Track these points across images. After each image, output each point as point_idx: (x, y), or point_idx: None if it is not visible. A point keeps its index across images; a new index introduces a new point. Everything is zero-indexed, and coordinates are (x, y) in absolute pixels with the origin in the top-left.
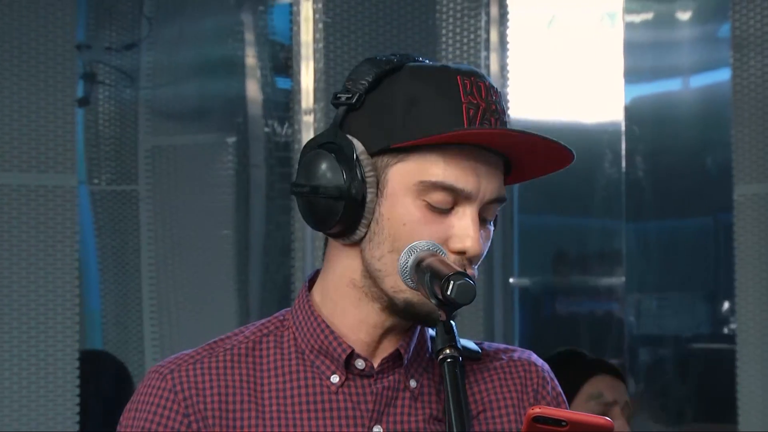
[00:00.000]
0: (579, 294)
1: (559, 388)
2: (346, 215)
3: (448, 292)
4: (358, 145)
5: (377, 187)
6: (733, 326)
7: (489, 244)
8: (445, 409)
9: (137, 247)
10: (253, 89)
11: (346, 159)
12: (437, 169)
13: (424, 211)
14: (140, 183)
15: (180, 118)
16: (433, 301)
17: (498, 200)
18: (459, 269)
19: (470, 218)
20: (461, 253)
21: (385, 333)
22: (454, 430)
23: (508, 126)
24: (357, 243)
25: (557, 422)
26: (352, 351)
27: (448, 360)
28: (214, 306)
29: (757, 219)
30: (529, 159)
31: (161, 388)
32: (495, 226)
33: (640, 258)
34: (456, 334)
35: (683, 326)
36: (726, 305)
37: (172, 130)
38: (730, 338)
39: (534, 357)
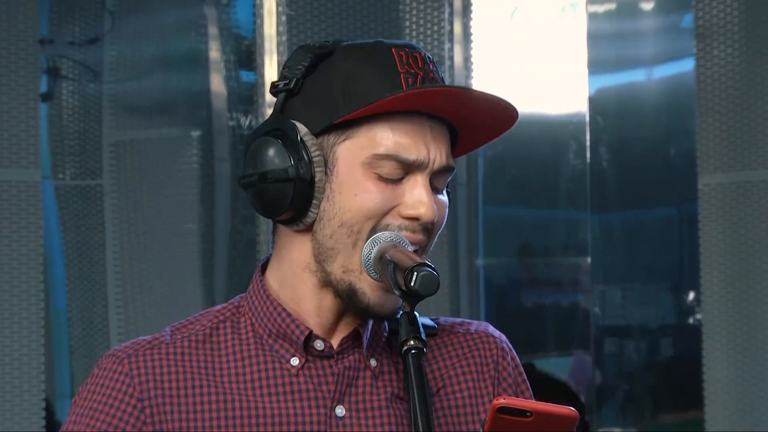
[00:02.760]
0: (544, 285)
1: (518, 359)
2: (296, 198)
3: (412, 283)
4: (302, 128)
5: (326, 166)
6: (698, 316)
7: (446, 213)
8: (407, 390)
9: (102, 242)
10: (216, 83)
11: (291, 142)
12: (385, 140)
13: (375, 182)
14: (105, 177)
15: (144, 112)
16: (396, 292)
17: (447, 169)
18: (421, 261)
19: (422, 185)
20: (415, 219)
21: (342, 317)
22: (420, 424)
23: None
24: (309, 228)
25: (522, 412)
26: (311, 332)
27: (413, 351)
28: (180, 300)
29: (721, 209)
30: (472, 121)
31: (117, 371)
32: (449, 201)
33: (605, 248)
34: (420, 325)
35: (649, 316)
36: (691, 295)
37: (136, 125)
38: (696, 328)
39: (491, 328)
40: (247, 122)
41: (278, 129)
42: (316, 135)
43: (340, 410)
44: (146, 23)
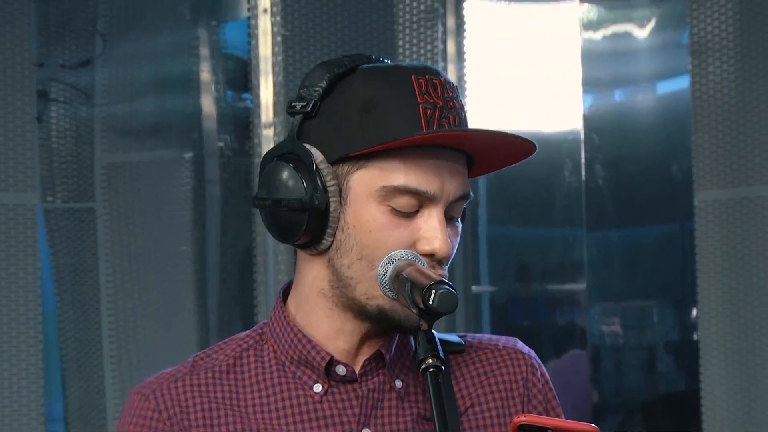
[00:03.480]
0: (541, 303)
1: (547, 375)
2: (310, 226)
3: (430, 302)
4: (318, 155)
5: (340, 196)
6: (696, 333)
7: (458, 241)
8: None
9: (95, 265)
10: (207, 104)
11: (306, 169)
12: (399, 173)
13: (390, 216)
14: (97, 200)
15: (136, 134)
16: (414, 310)
17: (463, 197)
18: (438, 278)
19: (437, 219)
20: (430, 255)
21: (364, 338)
22: None
23: (466, 120)
24: (324, 252)
25: (542, 430)
26: (332, 358)
27: (431, 369)
28: (173, 323)
29: (718, 225)
30: (491, 154)
31: (145, 408)
32: (463, 222)
33: (602, 267)
34: (438, 343)
35: (646, 334)
36: (689, 312)
37: (128, 147)
38: (694, 345)
39: (520, 344)
40: (234, 144)
41: (294, 153)
42: (332, 163)
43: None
44: (138, 45)
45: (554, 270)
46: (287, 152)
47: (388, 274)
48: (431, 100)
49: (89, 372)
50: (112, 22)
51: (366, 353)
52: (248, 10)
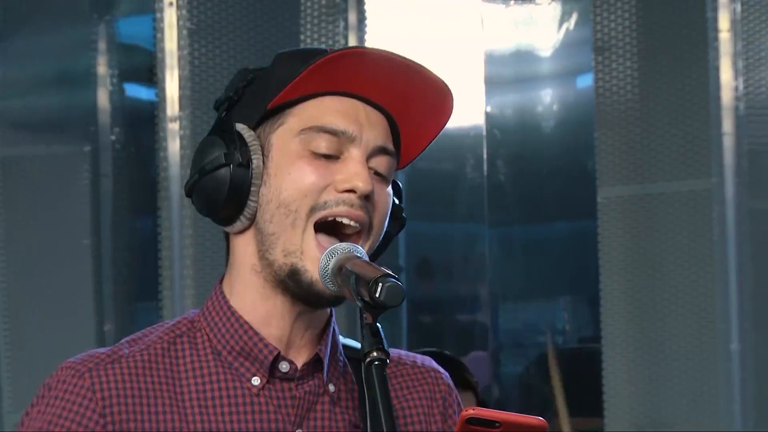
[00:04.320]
0: (443, 300)
1: (459, 396)
2: (234, 183)
3: (377, 295)
4: (239, 124)
5: (262, 153)
6: (598, 329)
7: (390, 202)
8: (364, 414)
9: None
10: (102, 98)
11: (228, 135)
12: (316, 116)
13: (309, 159)
14: None
15: (33, 128)
16: (359, 303)
17: (384, 149)
18: (385, 271)
19: (356, 160)
20: (351, 191)
21: (294, 324)
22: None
23: None
24: (251, 223)
25: (491, 423)
26: (279, 353)
27: (376, 363)
28: (70, 319)
29: (621, 221)
30: (405, 106)
31: (78, 385)
32: (398, 199)
33: (504, 263)
34: (383, 336)
35: (549, 331)
36: (591, 309)
37: (24, 141)
38: (596, 341)
39: (435, 364)
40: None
41: (217, 129)
42: (254, 128)
43: None
44: (36, 39)
45: (456, 266)
46: (211, 131)
47: (330, 266)
48: None
49: None
50: (7, 16)
51: (299, 349)
52: (154, 3)
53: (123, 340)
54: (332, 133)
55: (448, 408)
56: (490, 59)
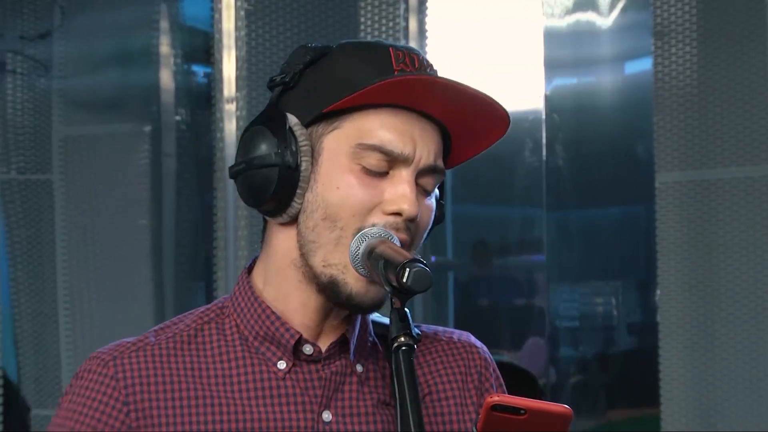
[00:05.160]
0: (499, 283)
1: (498, 370)
2: (281, 184)
3: (404, 280)
4: (292, 118)
5: (312, 156)
6: (655, 313)
7: (432, 218)
8: (394, 395)
9: (52, 237)
10: (166, 78)
11: (279, 130)
12: (372, 131)
13: (359, 174)
14: (54, 172)
15: (95, 107)
16: (387, 288)
17: (434, 169)
18: (413, 256)
19: (405, 181)
20: (397, 214)
21: (326, 318)
22: (411, 419)
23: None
24: (294, 220)
25: (516, 410)
26: (300, 336)
27: (403, 348)
28: (130, 296)
29: (678, 206)
30: (463, 123)
31: (102, 374)
32: (439, 212)
33: (561, 246)
34: (410, 321)
35: (605, 314)
36: (648, 292)
37: (86, 120)
38: (653, 325)
39: (473, 338)
40: (190, 118)
41: (269, 119)
42: (307, 125)
43: (326, 415)
44: (97, 18)
45: (513, 249)
46: (263, 119)
47: (360, 251)
48: (408, 69)
49: (45, 345)
50: None
51: (330, 335)
52: None
53: (153, 328)
54: (387, 153)
55: (485, 382)
56: (550, 42)
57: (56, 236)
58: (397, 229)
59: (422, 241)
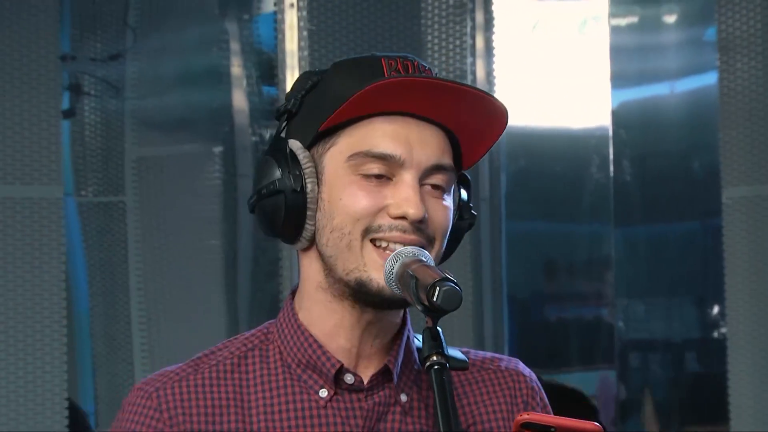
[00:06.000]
0: (568, 299)
1: (546, 399)
2: (290, 209)
3: (434, 299)
4: (294, 143)
5: (317, 177)
6: (723, 330)
7: (449, 215)
8: (434, 420)
9: (125, 258)
10: (239, 98)
11: (282, 156)
12: (365, 139)
13: (360, 183)
14: (127, 194)
15: (166, 128)
16: (419, 307)
17: (441, 167)
18: (444, 275)
19: (407, 184)
20: (402, 218)
21: (363, 337)
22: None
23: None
24: (312, 243)
25: (546, 428)
26: (342, 366)
27: (435, 367)
28: (202, 317)
29: (745, 222)
30: (458, 120)
31: (146, 407)
32: (469, 200)
33: (629, 263)
34: (443, 340)
35: (673, 330)
36: (716, 309)
37: (158, 141)
38: (721, 342)
39: (521, 366)
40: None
41: (274, 148)
42: (309, 148)
43: None
44: (168, 39)
45: (581, 266)
46: (268, 150)
47: (395, 270)
48: (399, 74)
49: (119, 367)
50: (142, 16)
51: (370, 360)
52: (275, 4)
53: (196, 356)
54: (381, 158)
55: (531, 411)
56: (616, 57)
57: (129, 258)
58: (404, 232)
59: (445, 240)
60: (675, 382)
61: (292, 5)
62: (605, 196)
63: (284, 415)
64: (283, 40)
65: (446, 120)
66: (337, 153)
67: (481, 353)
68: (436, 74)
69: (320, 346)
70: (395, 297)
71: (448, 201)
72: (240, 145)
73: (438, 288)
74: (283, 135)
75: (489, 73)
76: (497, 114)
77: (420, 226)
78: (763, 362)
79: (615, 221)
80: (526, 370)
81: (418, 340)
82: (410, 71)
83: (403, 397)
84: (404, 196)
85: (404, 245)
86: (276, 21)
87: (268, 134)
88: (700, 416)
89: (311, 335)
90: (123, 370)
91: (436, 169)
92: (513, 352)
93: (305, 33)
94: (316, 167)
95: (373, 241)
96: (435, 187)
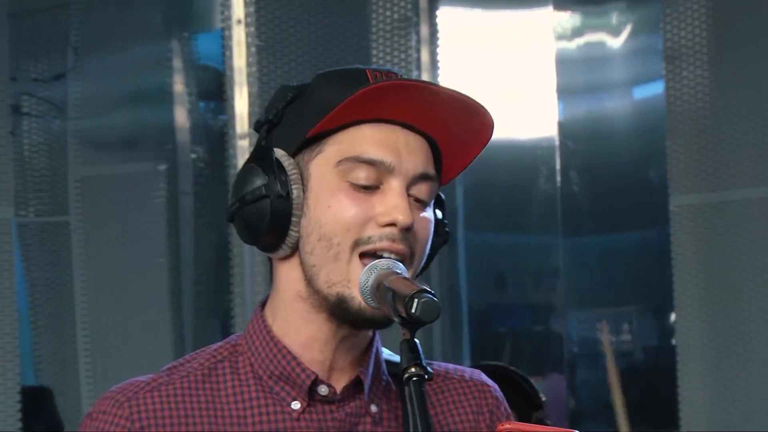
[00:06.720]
0: (518, 310)
1: (510, 410)
2: (275, 215)
3: (413, 311)
4: (278, 151)
5: (302, 183)
6: (673, 338)
7: (431, 228)
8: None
9: (70, 279)
10: (181, 116)
11: (267, 164)
12: (354, 145)
13: (348, 191)
14: (71, 214)
15: (110, 147)
16: (396, 319)
17: (426, 176)
18: (421, 287)
19: (396, 191)
20: (392, 225)
21: (337, 350)
22: None
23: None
24: (294, 251)
25: None
26: (316, 377)
27: (414, 378)
28: (149, 336)
29: (693, 230)
30: (445, 129)
31: (118, 416)
32: (443, 214)
33: (578, 273)
34: (420, 352)
35: (624, 340)
36: (666, 317)
37: (102, 160)
38: (671, 349)
39: (484, 377)
40: (207, 155)
41: (257, 157)
42: (294, 155)
43: None
44: (111, 58)
45: (531, 277)
46: (251, 158)
47: (369, 283)
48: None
49: (65, 387)
50: (84, 36)
51: (342, 372)
52: (222, 21)
53: (165, 367)
54: (370, 163)
55: (496, 422)
56: (562, 69)
57: (74, 277)
58: (393, 240)
59: (425, 254)
60: (625, 391)
61: (239, 21)
62: (553, 206)
63: (257, 427)
64: (231, 57)
65: (433, 128)
66: (324, 160)
67: (443, 364)
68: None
69: (294, 358)
70: (375, 318)
71: (429, 214)
72: (182, 162)
73: (416, 300)
74: (264, 144)
75: None
76: (483, 125)
77: (407, 235)
78: (713, 369)
79: (563, 232)
80: (489, 381)
81: (385, 352)
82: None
83: (374, 408)
84: (393, 204)
85: (392, 253)
86: (224, 37)
87: (208, 153)
88: (651, 424)
89: (285, 346)
90: (69, 390)
91: (422, 177)
92: (473, 363)
93: (253, 49)
94: (301, 174)
95: (362, 255)
96: (417, 200)
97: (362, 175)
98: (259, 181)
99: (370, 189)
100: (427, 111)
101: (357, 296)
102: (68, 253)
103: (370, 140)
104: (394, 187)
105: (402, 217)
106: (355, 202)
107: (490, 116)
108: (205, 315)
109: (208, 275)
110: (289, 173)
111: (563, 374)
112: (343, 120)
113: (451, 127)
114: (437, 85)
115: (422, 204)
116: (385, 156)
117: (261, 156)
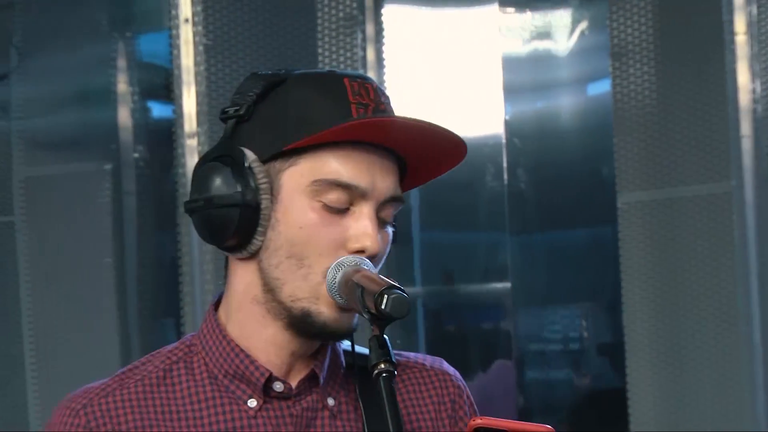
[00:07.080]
0: (466, 308)
1: (472, 398)
2: (242, 224)
3: (383, 306)
4: (250, 154)
5: (272, 193)
6: (621, 335)
7: (389, 246)
8: (369, 423)
9: (15, 279)
10: (124, 115)
11: (238, 168)
12: (331, 166)
13: (321, 213)
14: (16, 214)
15: (55, 147)
16: (366, 315)
17: (394, 199)
18: (390, 283)
19: (367, 217)
20: (360, 252)
21: (294, 355)
22: None
23: None
24: (255, 255)
25: None
26: (271, 374)
27: (384, 374)
28: (96, 336)
29: (641, 227)
30: (421, 154)
31: (75, 425)
32: (394, 230)
33: (526, 270)
34: (390, 347)
35: (571, 337)
36: (614, 314)
37: (47, 160)
38: (619, 347)
39: (446, 365)
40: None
41: (227, 155)
42: (264, 161)
43: None
44: (55, 58)
45: (479, 274)
46: (219, 154)
47: (337, 280)
48: (363, 101)
49: (12, 388)
50: (27, 36)
51: (298, 369)
52: (170, 20)
53: (120, 371)
54: (345, 187)
55: (458, 410)
56: (508, 67)
57: (20, 278)
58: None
59: (380, 266)
60: (574, 389)
61: (187, 20)
62: (500, 204)
63: (215, 427)
64: (178, 56)
65: (407, 153)
66: (298, 175)
67: (404, 353)
68: (388, 98)
69: (247, 356)
70: (339, 330)
71: (389, 231)
72: (125, 162)
73: (386, 296)
74: (230, 138)
75: (380, 85)
76: (456, 150)
77: (372, 259)
78: (661, 366)
79: (510, 229)
80: (451, 369)
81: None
82: (372, 96)
83: (330, 401)
84: (362, 231)
85: None
86: (171, 36)
87: (150, 152)
88: (600, 421)
89: (238, 346)
90: (16, 392)
91: (392, 200)
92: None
93: (201, 48)
94: (271, 184)
95: None
96: (382, 221)
97: (335, 198)
98: (228, 187)
99: (342, 211)
100: (409, 141)
101: (324, 312)
102: (13, 254)
103: (346, 162)
104: (365, 212)
105: (370, 243)
106: (329, 227)
107: (465, 147)
108: (150, 315)
109: (153, 275)
110: (259, 182)
111: (513, 371)
112: (324, 140)
113: (428, 152)
114: (422, 122)
115: (384, 223)
116: (361, 181)
117: (229, 154)
